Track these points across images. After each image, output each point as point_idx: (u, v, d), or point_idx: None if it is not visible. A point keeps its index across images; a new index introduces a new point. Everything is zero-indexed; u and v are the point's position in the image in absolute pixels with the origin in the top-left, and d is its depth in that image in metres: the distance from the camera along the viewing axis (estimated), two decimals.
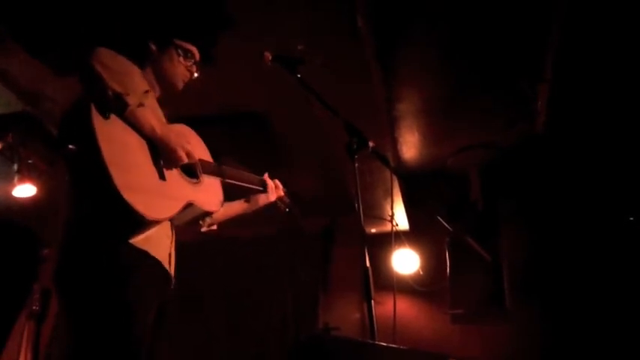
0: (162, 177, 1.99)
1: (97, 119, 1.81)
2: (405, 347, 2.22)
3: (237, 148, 4.04)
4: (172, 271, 2.11)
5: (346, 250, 5.53)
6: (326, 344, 2.26)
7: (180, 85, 2.32)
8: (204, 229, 2.41)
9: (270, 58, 2.31)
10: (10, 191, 4.60)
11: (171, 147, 2.01)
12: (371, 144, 2.18)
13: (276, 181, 2.72)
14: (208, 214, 2.29)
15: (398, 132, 4.66)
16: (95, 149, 1.77)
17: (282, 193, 2.74)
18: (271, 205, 2.71)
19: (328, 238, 5.66)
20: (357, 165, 2.15)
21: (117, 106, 1.88)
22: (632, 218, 4.71)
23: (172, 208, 2.00)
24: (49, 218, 5.68)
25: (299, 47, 2.99)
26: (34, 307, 5.15)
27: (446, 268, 4.96)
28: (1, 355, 5.37)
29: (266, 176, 2.69)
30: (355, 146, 2.15)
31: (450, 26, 3.51)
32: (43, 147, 4.53)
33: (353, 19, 3.07)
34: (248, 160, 2.56)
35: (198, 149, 2.28)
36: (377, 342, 1.97)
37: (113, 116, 1.88)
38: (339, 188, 4.65)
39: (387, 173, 4.19)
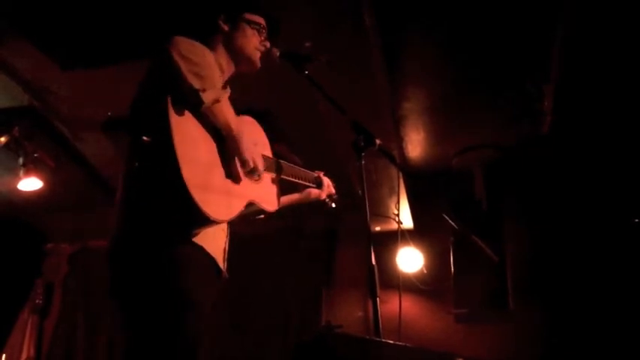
0: (228, 175, 1.97)
1: (173, 114, 1.78)
2: (413, 346, 2.21)
3: None
4: (225, 267, 2.07)
5: (349, 248, 5.52)
6: (331, 341, 2.25)
7: (259, 61, 2.25)
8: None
9: (278, 54, 2.28)
10: (16, 185, 4.61)
11: (241, 149, 1.98)
12: (378, 142, 2.16)
13: (328, 179, 2.71)
14: (265, 212, 2.23)
15: (403, 131, 4.65)
16: (169, 145, 1.73)
17: (332, 191, 2.73)
18: (319, 201, 2.70)
19: (331, 237, 5.64)
20: (363, 163, 2.14)
21: (192, 103, 1.83)
22: (637, 220, 4.70)
23: (235, 209, 1.96)
24: (54, 212, 5.70)
25: (306, 44, 2.98)
26: (37, 301, 5.16)
27: (450, 268, 4.95)
28: (5, 348, 5.40)
29: (321, 174, 2.68)
30: (362, 144, 2.14)
31: (455, 25, 3.50)
32: (49, 141, 4.54)
33: (359, 18, 3.06)
34: None
35: (261, 144, 2.27)
36: (383, 340, 1.96)
37: (187, 111, 1.84)
38: (341, 187, 4.64)
39: (393, 171, 4.18)
